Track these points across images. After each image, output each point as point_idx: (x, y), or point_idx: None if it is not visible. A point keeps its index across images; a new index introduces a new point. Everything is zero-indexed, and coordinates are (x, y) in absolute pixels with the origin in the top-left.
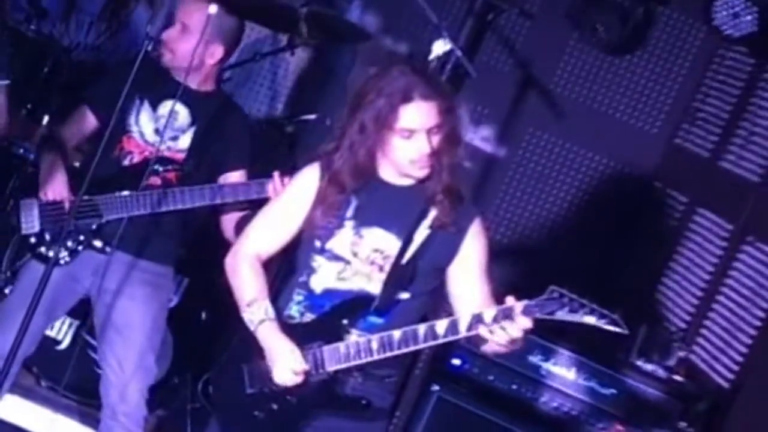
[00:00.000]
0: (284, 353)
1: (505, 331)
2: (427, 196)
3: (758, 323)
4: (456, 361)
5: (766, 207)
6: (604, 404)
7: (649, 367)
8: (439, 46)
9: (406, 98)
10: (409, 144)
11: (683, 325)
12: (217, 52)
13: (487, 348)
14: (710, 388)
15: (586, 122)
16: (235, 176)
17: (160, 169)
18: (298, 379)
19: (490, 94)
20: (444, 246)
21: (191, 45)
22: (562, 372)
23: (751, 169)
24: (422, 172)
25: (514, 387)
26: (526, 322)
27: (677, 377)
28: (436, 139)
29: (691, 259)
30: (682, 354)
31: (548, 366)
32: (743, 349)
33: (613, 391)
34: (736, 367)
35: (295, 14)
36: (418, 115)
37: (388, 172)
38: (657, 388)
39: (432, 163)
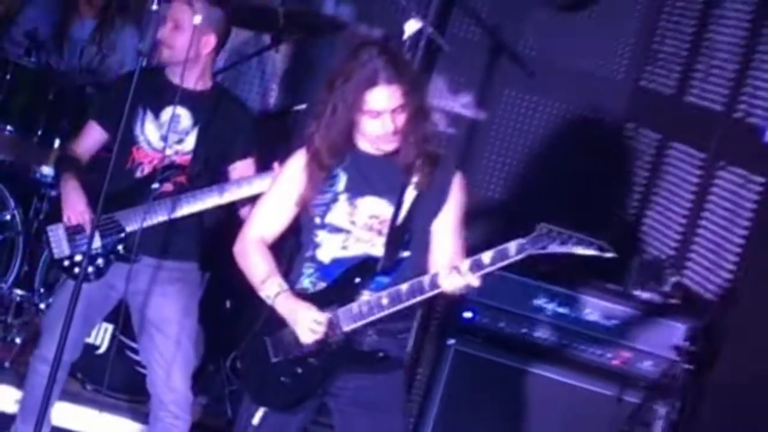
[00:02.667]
0: (303, 311)
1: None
2: (405, 164)
3: (741, 240)
4: (467, 314)
5: (732, 133)
6: (609, 335)
7: (646, 295)
8: (411, 26)
9: (371, 83)
10: (375, 122)
11: (672, 252)
12: (211, 40)
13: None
14: (705, 307)
15: (556, 77)
16: (244, 165)
17: (170, 174)
18: (321, 330)
19: (464, 64)
20: (431, 204)
21: (186, 38)
22: (567, 311)
23: (714, 100)
24: (389, 147)
25: (524, 331)
26: (472, 281)
27: (673, 301)
28: (400, 118)
29: (670, 190)
30: (674, 279)
31: (553, 307)
32: (731, 266)
33: (616, 321)
34: (726, 284)
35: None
36: (382, 98)
37: (365, 145)
38: (656, 313)
39: (398, 138)
